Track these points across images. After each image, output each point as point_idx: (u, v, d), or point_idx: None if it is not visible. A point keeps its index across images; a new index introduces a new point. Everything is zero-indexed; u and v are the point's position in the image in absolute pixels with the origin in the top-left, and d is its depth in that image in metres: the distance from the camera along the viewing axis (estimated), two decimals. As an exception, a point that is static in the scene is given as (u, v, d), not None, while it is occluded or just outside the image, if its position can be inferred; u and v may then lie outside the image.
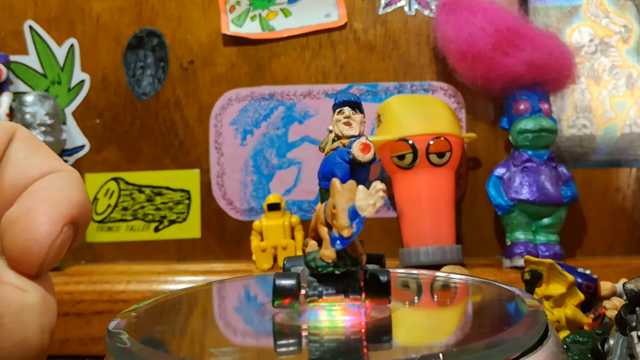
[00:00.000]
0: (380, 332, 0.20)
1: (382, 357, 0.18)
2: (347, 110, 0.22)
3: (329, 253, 0.20)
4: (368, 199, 0.19)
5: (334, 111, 0.22)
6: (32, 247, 0.18)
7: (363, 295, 0.21)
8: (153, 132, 0.84)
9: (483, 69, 0.73)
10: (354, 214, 0.19)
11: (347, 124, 0.22)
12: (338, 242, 0.19)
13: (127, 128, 0.84)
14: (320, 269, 0.20)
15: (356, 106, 0.22)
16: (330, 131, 0.23)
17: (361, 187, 0.19)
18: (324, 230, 0.20)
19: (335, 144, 0.22)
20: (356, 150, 0.21)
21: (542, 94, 0.75)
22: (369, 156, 0.21)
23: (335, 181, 0.20)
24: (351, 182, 0.20)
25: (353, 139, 0.22)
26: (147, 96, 0.84)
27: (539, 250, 0.73)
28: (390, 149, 0.73)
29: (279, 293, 0.21)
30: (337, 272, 0.20)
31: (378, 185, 0.19)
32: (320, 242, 0.21)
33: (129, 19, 0.84)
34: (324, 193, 0.22)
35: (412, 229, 0.74)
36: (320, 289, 0.20)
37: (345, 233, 0.19)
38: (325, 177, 0.22)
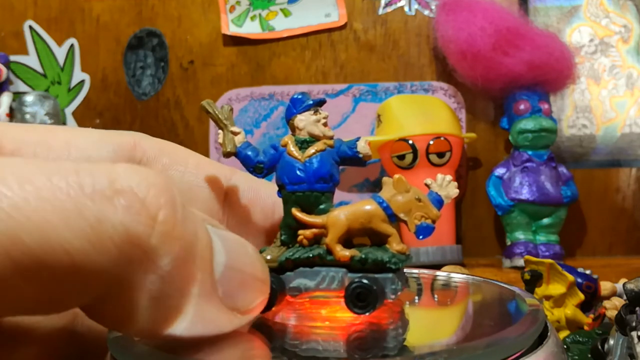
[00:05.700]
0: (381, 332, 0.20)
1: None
2: (322, 111, 0.22)
3: (403, 247, 0.20)
4: (448, 188, 0.21)
5: (301, 111, 0.22)
6: None
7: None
8: (153, 132, 0.83)
9: (483, 69, 0.73)
10: (439, 202, 0.21)
11: (325, 124, 0.22)
12: (429, 231, 0.20)
13: (127, 128, 0.84)
14: (401, 264, 0.20)
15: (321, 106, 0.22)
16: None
17: (429, 179, 0.21)
18: (389, 227, 0.20)
19: (322, 145, 0.21)
20: (367, 149, 0.21)
21: (542, 94, 0.75)
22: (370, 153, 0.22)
23: (402, 176, 0.20)
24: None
25: (355, 137, 0.22)
26: (147, 96, 0.84)
27: (539, 250, 0.73)
28: (390, 149, 0.73)
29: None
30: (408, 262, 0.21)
31: (447, 176, 0.21)
32: (346, 244, 0.20)
33: (129, 19, 0.84)
34: (318, 197, 0.21)
35: (412, 229, 0.74)
36: (400, 282, 0.20)
37: (437, 220, 0.20)
38: (323, 179, 0.21)
